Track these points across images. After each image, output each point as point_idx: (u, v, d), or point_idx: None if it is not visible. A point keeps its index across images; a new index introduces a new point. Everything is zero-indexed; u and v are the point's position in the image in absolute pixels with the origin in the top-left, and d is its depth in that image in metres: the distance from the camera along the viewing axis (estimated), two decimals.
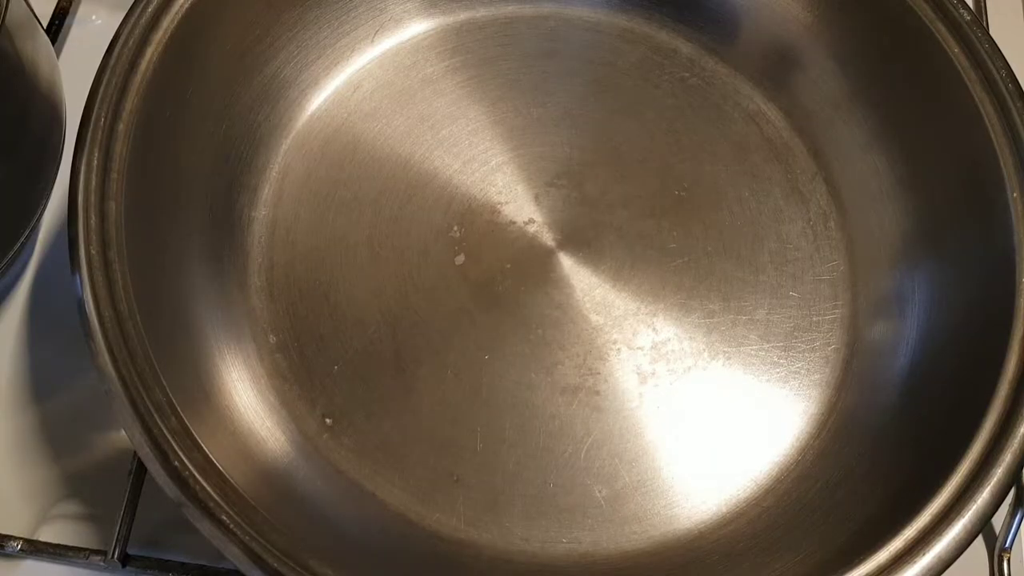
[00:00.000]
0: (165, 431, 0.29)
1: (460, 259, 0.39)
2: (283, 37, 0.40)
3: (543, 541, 0.35)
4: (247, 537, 0.28)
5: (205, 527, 0.28)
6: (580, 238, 0.39)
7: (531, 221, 0.40)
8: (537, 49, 0.43)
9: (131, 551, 0.35)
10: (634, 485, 0.36)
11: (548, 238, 0.39)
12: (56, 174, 0.38)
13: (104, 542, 0.35)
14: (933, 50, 0.38)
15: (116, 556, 0.34)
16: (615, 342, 0.38)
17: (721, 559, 0.34)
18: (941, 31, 0.37)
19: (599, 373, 0.37)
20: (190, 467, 0.29)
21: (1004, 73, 0.36)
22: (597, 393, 0.37)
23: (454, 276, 0.38)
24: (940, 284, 0.37)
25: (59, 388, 0.38)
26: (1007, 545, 0.37)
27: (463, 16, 0.43)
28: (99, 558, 0.35)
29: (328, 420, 0.36)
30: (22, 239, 0.37)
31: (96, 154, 0.32)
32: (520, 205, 0.40)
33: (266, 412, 0.35)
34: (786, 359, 0.38)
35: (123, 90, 0.33)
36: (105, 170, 0.32)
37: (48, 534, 0.36)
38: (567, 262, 0.39)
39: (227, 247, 0.38)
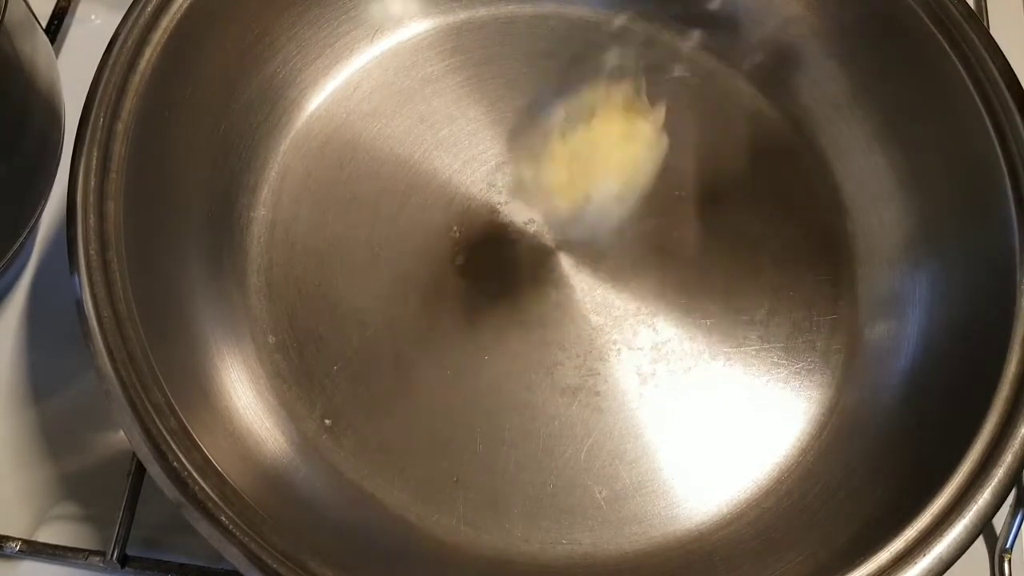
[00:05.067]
0: (164, 432, 0.29)
1: (460, 259, 0.39)
2: (283, 37, 0.40)
3: (543, 542, 0.35)
4: (246, 538, 0.28)
5: (204, 528, 0.28)
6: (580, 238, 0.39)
7: (531, 221, 0.39)
8: (537, 49, 0.43)
9: (130, 552, 0.35)
10: (634, 486, 0.36)
11: (548, 238, 0.39)
12: (55, 174, 0.38)
13: (103, 543, 0.35)
14: (933, 50, 0.37)
15: (115, 557, 0.34)
16: (615, 342, 0.38)
17: (722, 560, 0.34)
18: (941, 31, 0.37)
19: (599, 374, 0.37)
20: (189, 467, 0.29)
21: (1004, 73, 0.36)
22: (597, 394, 0.37)
23: (454, 276, 0.38)
24: (941, 284, 0.37)
25: (59, 388, 0.38)
26: (1008, 546, 0.37)
27: (463, 16, 0.43)
28: (98, 559, 0.35)
29: (327, 421, 0.36)
30: (21, 239, 0.37)
31: (95, 154, 0.32)
32: (520, 205, 0.40)
33: (265, 413, 0.35)
34: (787, 359, 0.38)
35: (122, 90, 0.33)
36: (104, 170, 0.32)
37: (47, 535, 0.36)
38: (567, 262, 0.39)
39: (226, 247, 0.38)
